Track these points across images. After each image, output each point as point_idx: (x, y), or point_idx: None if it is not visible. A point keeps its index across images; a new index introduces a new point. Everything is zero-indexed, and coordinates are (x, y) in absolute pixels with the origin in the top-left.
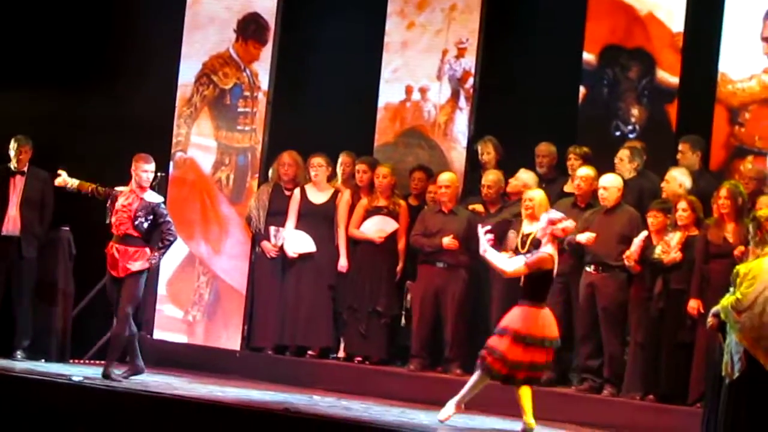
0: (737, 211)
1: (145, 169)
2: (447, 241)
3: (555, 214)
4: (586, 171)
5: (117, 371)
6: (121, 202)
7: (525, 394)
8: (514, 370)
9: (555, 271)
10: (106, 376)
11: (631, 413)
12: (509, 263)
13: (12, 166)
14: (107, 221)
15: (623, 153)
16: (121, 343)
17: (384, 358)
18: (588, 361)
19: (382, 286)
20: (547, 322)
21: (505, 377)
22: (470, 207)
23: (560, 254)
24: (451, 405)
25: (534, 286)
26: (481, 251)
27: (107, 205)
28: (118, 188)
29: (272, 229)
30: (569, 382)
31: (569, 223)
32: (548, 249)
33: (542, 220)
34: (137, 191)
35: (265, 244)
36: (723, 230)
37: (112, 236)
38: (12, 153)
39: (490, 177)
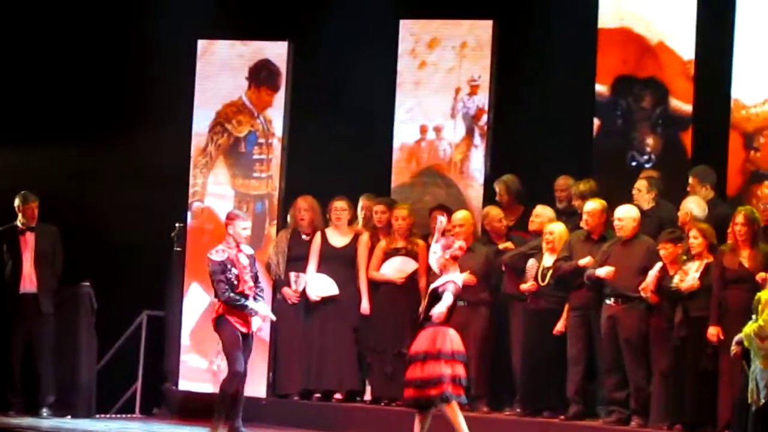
0: (753, 237)
1: (244, 227)
2: (465, 277)
3: (445, 239)
4: (592, 205)
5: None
6: (242, 263)
7: (450, 412)
8: (422, 389)
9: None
10: None
11: None
12: (441, 305)
13: (19, 223)
14: (233, 293)
15: (641, 183)
16: (241, 399)
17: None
18: (614, 393)
19: (405, 327)
20: (454, 338)
21: (417, 399)
22: (501, 246)
23: (580, 288)
24: None
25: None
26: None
27: (224, 278)
28: (214, 256)
29: (292, 275)
30: (597, 414)
31: (461, 242)
32: (454, 276)
33: (437, 250)
34: (235, 248)
35: (285, 290)
36: (739, 256)
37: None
38: (19, 210)
39: (491, 212)
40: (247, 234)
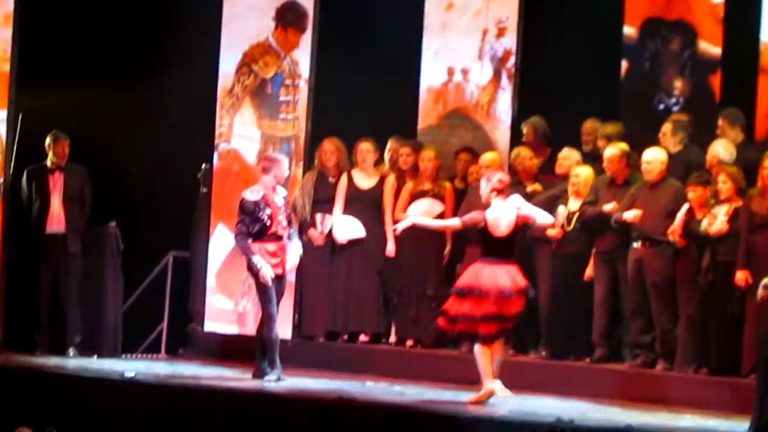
0: None
1: (287, 167)
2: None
3: (489, 173)
4: (610, 151)
5: (272, 374)
6: (276, 204)
7: (480, 352)
8: (454, 324)
9: (494, 228)
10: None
11: (686, 387)
12: (443, 221)
13: (50, 163)
14: (268, 232)
15: (666, 127)
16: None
17: (436, 341)
18: (639, 337)
19: (430, 269)
20: (486, 274)
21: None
22: (529, 189)
23: (605, 233)
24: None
25: (483, 244)
26: (404, 226)
27: (248, 219)
28: (249, 196)
29: (318, 216)
30: (622, 358)
31: (502, 174)
32: (490, 210)
33: (482, 184)
34: (270, 190)
35: (311, 232)
36: (767, 200)
37: (272, 236)
38: (49, 149)
39: (522, 152)
40: (288, 174)
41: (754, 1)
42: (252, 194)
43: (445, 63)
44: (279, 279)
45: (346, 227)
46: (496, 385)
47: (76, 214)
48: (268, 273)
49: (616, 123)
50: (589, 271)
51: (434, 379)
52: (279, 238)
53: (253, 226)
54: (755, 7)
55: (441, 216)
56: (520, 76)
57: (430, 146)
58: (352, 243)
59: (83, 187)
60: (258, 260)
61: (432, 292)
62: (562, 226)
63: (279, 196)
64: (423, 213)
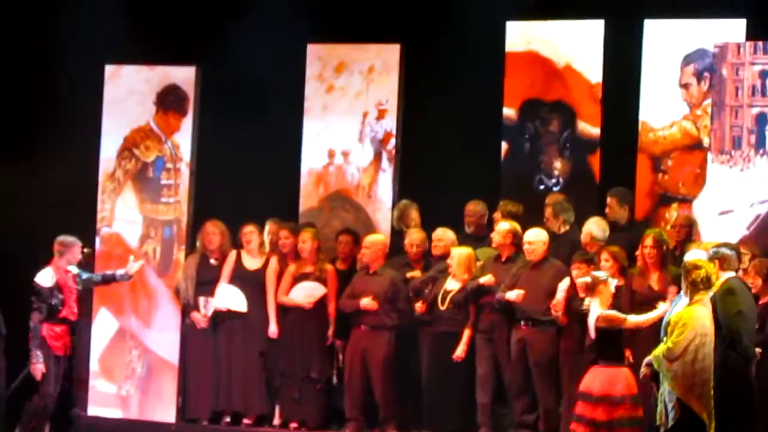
0: (662, 260)
1: (80, 250)
2: (364, 302)
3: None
4: (501, 226)
5: None
6: (69, 286)
7: None
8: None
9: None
10: None
11: None
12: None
13: None
14: (59, 315)
15: (547, 211)
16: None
17: (320, 422)
18: (523, 416)
19: (313, 352)
20: (618, 379)
21: None
22: (409, 275)
23: (485, 310)
24: None
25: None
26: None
27: (43, 305)
28: (42, 282)
29: (201, 299)
30: None
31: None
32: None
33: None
34: (62, 272)
35: (194, 315)
36: (648, 279)
37: (62, 320)
38: None
39: (416, 236)
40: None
41: (631, 81)
42: (45, 280)
43: (325, 145)
44: (58, 359)
45: (228, 296)
46: None
47: None
48: (40, 370)
49: (519, 204)
50: (459, 351)
51: None
52: (68, 321)
53: (46, 310)
54: (633, 88)
55: (323, 298)
56: (400, 157)
57: (307, 228)
58: (235, 323)
59: None
60: (38, 356)
61: (316, 375)
62: (436, 304)
63: (71, 278)
64: (306, 296)
